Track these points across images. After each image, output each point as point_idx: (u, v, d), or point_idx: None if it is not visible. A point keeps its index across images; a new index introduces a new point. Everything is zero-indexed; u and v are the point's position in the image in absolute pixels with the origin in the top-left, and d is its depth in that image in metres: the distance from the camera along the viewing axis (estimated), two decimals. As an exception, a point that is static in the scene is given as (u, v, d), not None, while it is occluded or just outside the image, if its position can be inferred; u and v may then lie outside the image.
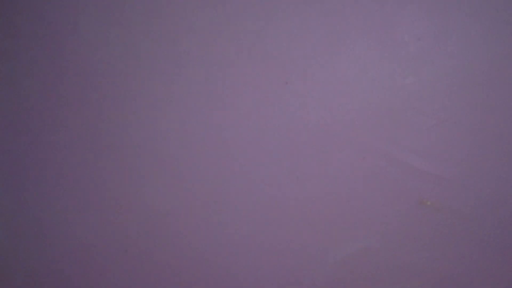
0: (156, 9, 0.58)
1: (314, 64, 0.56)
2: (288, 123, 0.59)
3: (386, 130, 0.57)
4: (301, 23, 0.53)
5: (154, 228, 0.68)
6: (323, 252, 0.62)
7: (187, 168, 0.65)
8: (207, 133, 0.62)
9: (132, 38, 0.60)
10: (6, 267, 0.75)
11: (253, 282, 0.66)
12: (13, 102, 0.71)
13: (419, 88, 0.52)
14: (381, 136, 0.58)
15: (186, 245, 0.67)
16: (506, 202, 0.57)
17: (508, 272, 0.56)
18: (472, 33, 0.49)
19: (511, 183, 0.56)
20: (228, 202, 0.65)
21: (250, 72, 0.58)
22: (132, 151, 0.66)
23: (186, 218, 0.66)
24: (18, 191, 0.76)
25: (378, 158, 0.58)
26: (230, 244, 0.66)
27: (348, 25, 0.51)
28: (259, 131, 0.61)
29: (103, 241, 0.72)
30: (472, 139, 0.55)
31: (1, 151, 0.74)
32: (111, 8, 0.60)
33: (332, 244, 0.61)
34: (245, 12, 0.57)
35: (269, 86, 0.58)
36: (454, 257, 0.58)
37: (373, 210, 0.60)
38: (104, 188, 0.69)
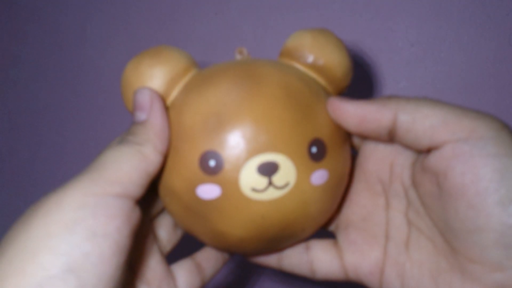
0: (164, 16, 0.59)
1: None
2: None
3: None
4: (293, 27, 0.54)
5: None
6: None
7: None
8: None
9: (139, 45, 0.60)
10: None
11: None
12: (18, 106, 0.72)
13: (412, 93, 0.52)
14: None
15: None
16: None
17: None
18: (464, 39, 0.50)
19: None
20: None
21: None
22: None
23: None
24: (21, 192, 0.77)
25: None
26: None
27: (343, 31, 0.52)
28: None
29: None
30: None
31: (7, 155, 0.75)
32: (119, 15, 0.61)
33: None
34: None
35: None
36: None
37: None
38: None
